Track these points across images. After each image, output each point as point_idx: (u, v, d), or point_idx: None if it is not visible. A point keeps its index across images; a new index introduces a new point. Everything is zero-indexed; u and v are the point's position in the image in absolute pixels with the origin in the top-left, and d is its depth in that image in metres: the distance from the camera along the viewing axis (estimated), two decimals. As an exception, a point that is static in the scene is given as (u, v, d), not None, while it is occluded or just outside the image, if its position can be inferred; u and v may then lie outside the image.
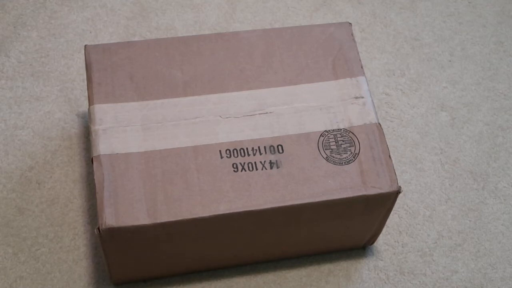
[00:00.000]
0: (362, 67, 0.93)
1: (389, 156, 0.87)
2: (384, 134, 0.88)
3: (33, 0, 1.21)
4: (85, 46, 0.93)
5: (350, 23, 0.98)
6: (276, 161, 0.85)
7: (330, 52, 0.94)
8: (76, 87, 1.11)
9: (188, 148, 0.85)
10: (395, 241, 1.02)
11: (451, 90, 1.19)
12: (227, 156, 0.85)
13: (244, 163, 0.84)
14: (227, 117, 0.88)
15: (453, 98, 1.18)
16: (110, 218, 0.79)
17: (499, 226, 1.05)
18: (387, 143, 0.88)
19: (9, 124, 1.06)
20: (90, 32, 1.18)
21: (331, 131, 0.88)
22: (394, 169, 0.86)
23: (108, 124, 0.86)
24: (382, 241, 1.01)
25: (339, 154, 0.86)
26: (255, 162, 0.85)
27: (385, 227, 0.96)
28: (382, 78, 1.18)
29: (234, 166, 0.84)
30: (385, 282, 0.98)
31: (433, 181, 1.08)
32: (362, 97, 0.91)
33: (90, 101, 0.88)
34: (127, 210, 0.80)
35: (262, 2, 1.26)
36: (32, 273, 0.94)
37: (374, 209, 0.88)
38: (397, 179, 0.85)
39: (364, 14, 1.26)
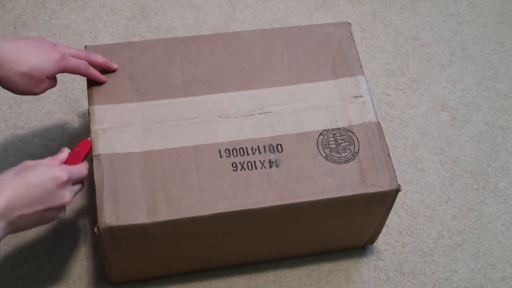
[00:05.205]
0: (361, 66, 0.93)
1: (388, 154, 0.87)
2: (383, 132, 0.88)
3: (33, 0, 1.21)
4: (85, 46, 0.93)
5: (349, 23, 0.98)
6: (276, 160, 0.85)
7: (329, 52, 0.94)
8: (76, 87, 1.11)
9: (188, 147, 0.85)
10: (395, 241, 1.02)
11: (451, 90, 1.19)
12: (226, 156, 0.85)
13: (244, 162, 0.84)
14: (226, 117, 0.88)
15: (453, 98, 1.18)
16: (110, 217, 0.79)
17: (499, 226, 1.05)
18: (387, 143, 0.88)
19: (9, 124, 1.06)
20: (90, 32, 1.18)
21: (330, 130, 0.88)
22: (393, 168, 0.86)
23: (108, 124, 0.86)
24: (382, 241, 1.01)
25: (338, 152, 0.86)
26: (254, 161, 0.85)
27: (385, 227, 0.96)
28: (382, 78, 1.18)
29: (234, 165, 0.84)
30: (385, 282, 0.98)
31: (433, 181, 1.08)
32: (362, 96, 0.91)
33: (90, 102, 0.88)
34: (127, 209, 0.80)
35: (262, 2, 1.26)
36: (32, 273, 0.94)
37: (373, 208, 0.88)
38: (396, 177, 0.85)
39: (364, 14, 1.26)
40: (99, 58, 0.89)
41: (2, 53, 0.78)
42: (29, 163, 0.76)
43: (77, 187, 0.81)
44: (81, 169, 0.82)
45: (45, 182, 0.75)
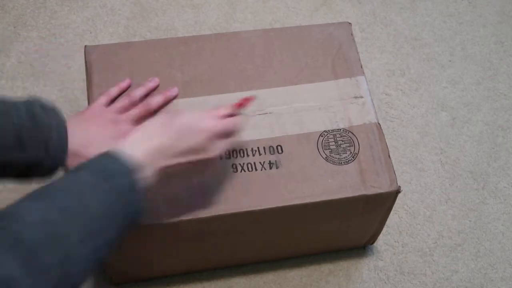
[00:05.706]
0: (361, 67, 0.93)
1: (389, 155, 0.87)
2: (383, 133, 0.88)
3: (33, 0, 1.21)
4: (85, 46, 0.93)
5: (349, 23, 0.98)
6: (276, 161, 0.85)
7: (329, 52, 0.94)
8: (76, 87, 1.11)
9: (188, 148, 0.85)
10: (395, 241, 1.02)
11: (451, 90, 1.19)
12: (226, 157, 0.85)
13: (244, 163, 0.84)
14: (226, 117, 0.88)
15: (453, 98, 1.18)
16: (110, 218, 0.79)
17: (499, 226, 1.05)
18: (387, 143, 0.88)
19: (9, 124, 1.06)
20: (90, 32, 1.18)
21: (330, 131, 0.88)
22: (393, 169, 0.86)
23: (108, 124, 0.86)
24: (382, 241, 1.01)
25: (338, 154, 0.86)
26: (254, 163, 0.85)
27: (385, 227, 0.96)
28: (382, 78, 1.18)
29: (234, 166, 0.84)
30: (385, 282, 0.98)
31: (433, 181, 1.08)
32: (362, 97, 0.91)
33: (90, 102, 0.88)
34: (127, 210, 0.80)
35: (262, 2, 1.26)
36: (32, 273, 0.94)
37: (373, 209, 0.88)
38: (396, 178, 0.85)
39: (364, 14, 1.26)
40: (158, 98, 0.86)
41: (71, 144, 0.74)
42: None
43: (228, 141, 0.75)
44: (233, 120, 0.76)
45: (194, 132, 0.71)
